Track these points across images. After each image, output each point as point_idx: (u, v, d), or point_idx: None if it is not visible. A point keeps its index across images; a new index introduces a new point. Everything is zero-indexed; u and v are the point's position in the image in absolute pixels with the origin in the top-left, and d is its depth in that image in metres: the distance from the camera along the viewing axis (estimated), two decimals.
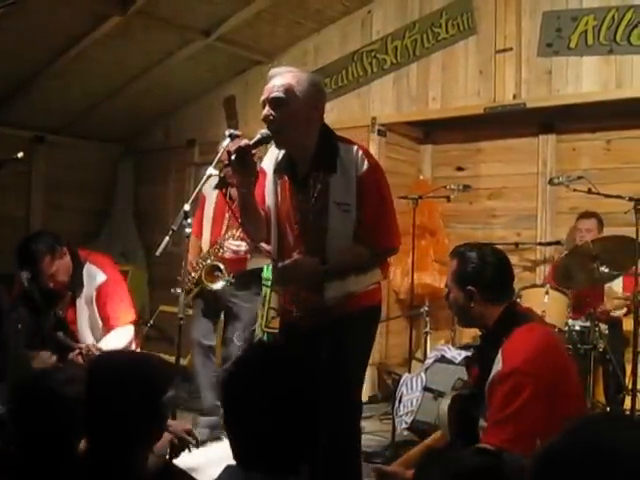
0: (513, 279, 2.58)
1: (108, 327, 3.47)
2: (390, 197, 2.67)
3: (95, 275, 3.48)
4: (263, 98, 2.50)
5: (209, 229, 4.22)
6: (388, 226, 2.66)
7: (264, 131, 2.51)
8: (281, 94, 2.46)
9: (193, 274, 4.13)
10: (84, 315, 3.47)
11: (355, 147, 2.58)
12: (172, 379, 1.80)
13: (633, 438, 1.07)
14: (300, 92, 2.49)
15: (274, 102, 2.46)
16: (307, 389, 1.50)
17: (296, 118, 2.49)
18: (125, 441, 1.66)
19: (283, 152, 2.64)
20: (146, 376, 1.74)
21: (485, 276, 2.45)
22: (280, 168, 2.64)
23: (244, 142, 2.55)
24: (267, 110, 2.48)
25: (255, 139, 2.49)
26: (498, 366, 2.32)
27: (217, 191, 3.93)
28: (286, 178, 2.63)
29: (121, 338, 3.47)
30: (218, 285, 4.07)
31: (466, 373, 2.76)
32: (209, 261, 4.12)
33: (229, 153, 2.45)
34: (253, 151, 2.48)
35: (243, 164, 2.45)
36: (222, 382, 1.55)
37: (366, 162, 2.55)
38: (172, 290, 3.71)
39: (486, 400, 2.35)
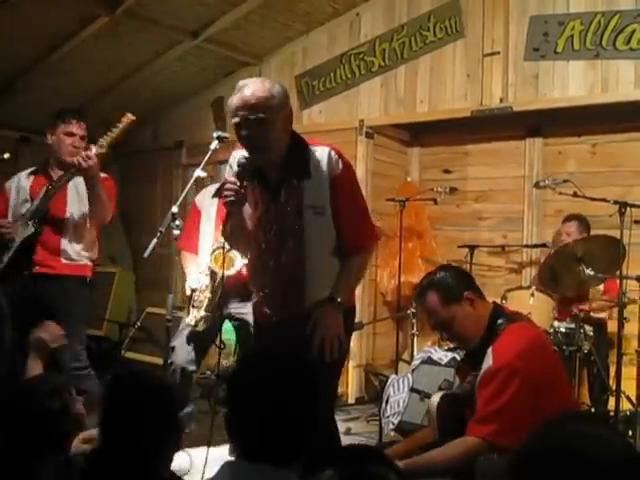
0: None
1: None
2: (360, 192, 2.72)
3: None
4: (239, 118, 2.43)
5: (208, 248, 3.93)
6: (366, 224, 2.69)
7: (240, 159, 2.51)
8: (261, 114, 2.39)
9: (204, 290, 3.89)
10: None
11: (327, 149, 2.54)
12: (188, 396, 1.84)
13: (603, 436, 1.09)
14: (276, 106, 2.42)
15: (255, 122, 2.40)
16: (310, 379, 1.55)
17: (272, 133, 2.44)
18: (145, 456, 1.67)
19: (243, 159, 2.55)
20: (166, 392, 1.77)
21: (464, 278, 2.56)
22: (249, 177, 2.56)
23: (230, 186, 2.47)
24: (245, 132, 2.42)
25: (240, 172, 2.49)
26: (488, 362, 2.36)
27: (215, 203, 3.87)
28: (257, 186, 2.58)
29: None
30: (232, 270, 3.79)
31: (454, 375, 2.79)
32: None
33: (226, 198, 2.46)
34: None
35: (242, 202, 2.50)
36: (228, 376, 1.58)
37: (340, 162, 2.54)
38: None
39: (475, 396, 2.38)
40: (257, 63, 6.01)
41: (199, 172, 2.97)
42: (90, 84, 5.90)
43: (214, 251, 3.81)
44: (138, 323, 5.73)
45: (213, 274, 3.81)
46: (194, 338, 3.85)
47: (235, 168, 2.56)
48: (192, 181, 2.99)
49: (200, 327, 3.78)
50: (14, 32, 4.85)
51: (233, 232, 2.62)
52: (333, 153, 2.53)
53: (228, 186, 2.45)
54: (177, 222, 2.91)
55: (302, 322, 2.47)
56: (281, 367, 1.53)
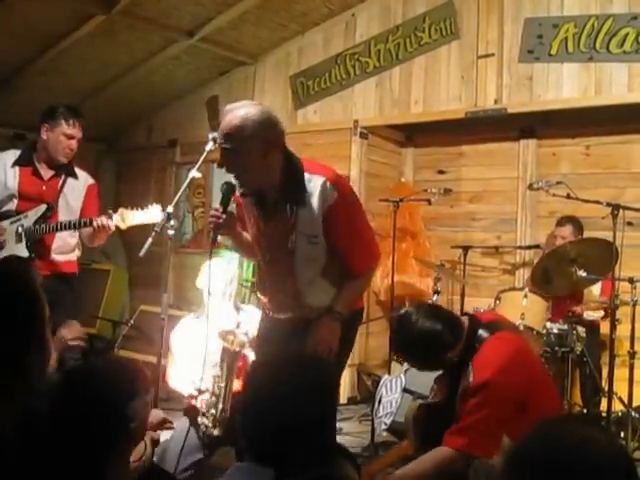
0: (451, 313, 2.64)
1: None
2: (362, 218, 2.68)
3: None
4: (220, 145, 2.48)
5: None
6: (364, 250, 2.67)
7: (222, 186, 2.57)
8: (228, 145, 2.40)
9: None
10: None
11: (323, 179, 2.49)
12: (141, 387, 1.75)
13: (595, 438, 1.10)
14: (249, 135, 2.38)
15: (225, 152, 2.43)
16: (324, 384, 1.57)
17: (250, 162, 2.43)
18: (90, 450, 1.61)
19: (224, 185, 2.62)
20: (112, 383, 1.69)
21: (446, 339, 2.46)
22: (249, 197, 2.63)
23: (214, 213, 2.54)
24: (223, 159, 2.47)
25: (221, 200, 2.55)
26: (469, 378, 2.36)
27: None
28: (255, 206, 2.64)
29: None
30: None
31: (435, 387, 2.80)
32: None
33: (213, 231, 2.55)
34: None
35: (225, 226, 2.56)
36: (245, 380, 1.60)
37: (335, 193, 2.50)
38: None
39: (457, 411, 2.38)
40: (252, 63, 6.01)
41: (194, 173, 2.97)
42: (85, 82, 5.89)
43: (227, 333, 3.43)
44: (131, 321, 5.72)
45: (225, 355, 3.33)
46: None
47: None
48: (187, 182, 2.99)
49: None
50: (9, 30, 4.84)
51: (242, 248, 2.78)
52: (328, 183, 2.50)
53: (211, 215, 2.55)
54: (172, 222, 2.92)
55: (303, 325, 2.60)
56: (295, 371, 1.56)
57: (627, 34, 4.35)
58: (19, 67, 5.51)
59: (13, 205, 3.56)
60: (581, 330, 4.23)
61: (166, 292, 3.04)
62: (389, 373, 4.60)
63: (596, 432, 1.13)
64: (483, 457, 2.27)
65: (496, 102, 4.89)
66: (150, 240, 2.87)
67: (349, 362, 5.35)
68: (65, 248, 3.66)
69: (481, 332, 2.48)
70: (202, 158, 2.87)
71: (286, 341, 2.67)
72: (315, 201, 2.50)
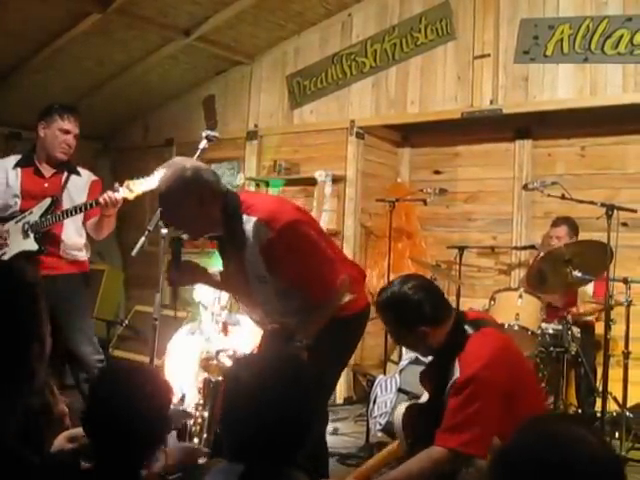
0: (443, 294, 2.60)
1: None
2: (308, 249, 2.56)
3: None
4: None
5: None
6: (317, 281, 2.57)
7: (170, 242, 2.70)
8: (162, 207, 2.56)
9: None
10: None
11: (254, 219, 2.48)
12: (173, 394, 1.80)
13: (583, 437, 1.11)
14: (179, 196, 2.47)
15: (163, 212, 2.61)
16: (304, 383, 1.58)
17: (188, 217, 2.53)
18: (131, 456, 1.63)
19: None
20: (154, 388, 1.72)
21: (425, 310, 2.43)
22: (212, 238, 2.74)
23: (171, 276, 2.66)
24: (162, 219, 2.71)
25: (172, 256, 2.66)
26: (456, 374, 2.34)
27: None
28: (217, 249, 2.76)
29: None
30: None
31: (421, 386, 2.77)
32: None
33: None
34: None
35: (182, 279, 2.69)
36: (226, 379, 1.61)
37: (268, 232, 2.46)
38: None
39: (443, 407, 2.37)
40: (249, 62, 6.01)
41: None
42: (81, 81, 5.88)
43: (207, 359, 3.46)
44: (126, 321, 5.72)
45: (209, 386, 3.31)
46: None
47: None
48: None
49: None
50: (4, 28, 4.84)
51: (212, 287, 2.97)
52: (260, 223, 2.47)
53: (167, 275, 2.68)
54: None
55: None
56: (274, 369, 1.57)
57: (622, 35, 4.36)
58: (14, 65, 5.50)
59: (17, 206, 3.57)
60: (576, 330, 4.23)
61: (159, 292, 3.03)
62: (384, 373, 4.60)
63: (585, 431, 1.13)
64: (477, 457, 2.26)
65: (492, 103, 4.90)
66: (143, 239, 2.87)
67: None
68: (74, 247, 3.66)
69: (466, 327, 2.46)
70: (195, 157, 2.86)
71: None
72: (252, 243, 2.50)
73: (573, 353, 4.11)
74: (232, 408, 1.55)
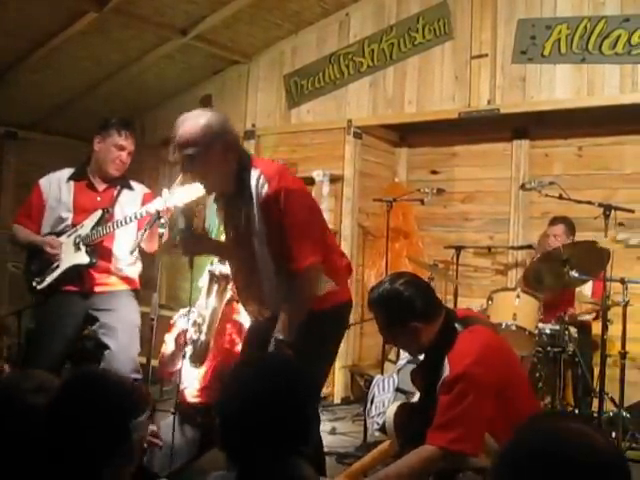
0: (434, 292, 2.61)
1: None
2: (306, 216, 2.59)
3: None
4: (177, 156, 2.55)
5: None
6: (304, 243, 2.55)
7: (181, 211, 2.70)
8: (191, 151, 2.47)
9: None
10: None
11: (257, 172, 2.54)
12: (145, 405, 1.74)
13: (588, 434, 1.10)
14: (210, 140, 2.47)
15: (188, 159, 2.50)
16: (301, 381, 1.59)
17: (213, 166, 2.52)
18: (88, 461, 1.58)
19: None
20: (117, 397, 1.66)
21: (416, 306, 2.44)
22: (215, 198, 2.75)
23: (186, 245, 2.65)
24: (184, 168, 2.57)
25: (184, 223, 2.66)
26: (445, 372, 2.34)
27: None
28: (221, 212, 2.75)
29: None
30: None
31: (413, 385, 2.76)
32: None
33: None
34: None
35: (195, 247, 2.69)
36: (223, 378, 1.61)
37: (266, 187, 2.51)
38: None
39: (434, 405, 2.36)
40: (246, 62, 6.00)
41: None
42: (77, 80, 5.86)
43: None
44: None
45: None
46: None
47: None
48: (179, 179, 2.97)
49: None
50: (1, 27, 4.81)
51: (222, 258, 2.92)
52: (262, 177, 2.53)
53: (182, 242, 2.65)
54: (162, 220, 2.91)
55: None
56: (261, 372, 1.58)
57: (619, 36, 4.37)
58: (10, 64, 5.47)
59: (69, 220, 3.58)
60: (573, 330, 4.24)
61: (156, 292, 3.03)
62: (382, 373, 4.59)
63: (587, 426, 1.13)
64: (466, 455, 2.25)
65: (489, 103, 4.90)
66: (140, 238, 2.86)
67: (343, 363, 5.37)
68: (126, 261, 3.64)
69: (456, 325, 2.46)
70: None
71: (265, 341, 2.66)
72: (254, 196, 2.55)
73: (570, 353, 4.12)
74: (223, 411, 1.55)
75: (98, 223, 3.49)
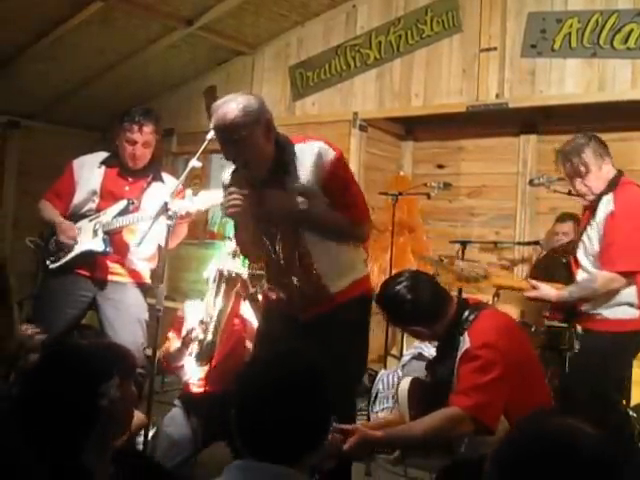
0: (440, 286, 2.61)
1: None
2: (356, 184, 2.78)
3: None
4: (219, 140, 2.52)
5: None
6: (359, 208, 2.73)
7: (232, 173, 2.67)
8: (236, 135, 2.44)
9: None
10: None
11: (318, 144, 2.59)
12: (120, 370, 1.70)
13: (580, 430, 1.09)
14: (250, 123, 2.46)
15: (232, 143, 2.47)
16: (319, 378, 1.57)
17: (257, 148, 2.50)
18: (61, 428, 1.58)
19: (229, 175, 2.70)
20: (87, 361, 1.67)
21: (419, 312, 2.46)
22: (237, 180, 2.65)
23: (236, 197, 2.55)
24: (228, 152, 2.51)
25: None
26: (466, 345, 2.33)
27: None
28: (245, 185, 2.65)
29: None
30: None
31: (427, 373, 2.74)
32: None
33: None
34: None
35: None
36: (238, 376, 1.59)
37: (331, 153, 2.58)
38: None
39: (454, 379, 2.35)
40: (251, 53, 5.95)
41: (194, 162, 2.93)
42: (81, 70, 5.82)
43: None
44: None
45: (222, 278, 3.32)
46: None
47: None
48: (187, 171, 2.94)
49: None
50: (4, 16, 4.76)
51: (240, 240, 2.77)
52: (321, 146, 2.58)
53: (234, 197, 2.53)
54: (170, 212, 2.88)
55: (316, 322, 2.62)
56: (289, 368, 1.55)
57: (631, 30, 4.30)
58: (14, 54, 5.43)
59: (94, 204, 3.57)
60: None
61: (162, 283, 2.99)
62: (385, 368, 4.57)
63: (581, 422, 1.12)
64: (488, 427, 2.21)
65: (497, 97, 4.84)
66: (147, 230, 2.83)
67: None
68: (143, 256, 3.63)
69: (469, 311, 2.47)
70: (203, 147, 2.80)
71: (292, 339, 2.65)
72: (308, 170, 2.54)
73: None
74: (247, 405, 1.53)
75: (121, 213, 3.48)
